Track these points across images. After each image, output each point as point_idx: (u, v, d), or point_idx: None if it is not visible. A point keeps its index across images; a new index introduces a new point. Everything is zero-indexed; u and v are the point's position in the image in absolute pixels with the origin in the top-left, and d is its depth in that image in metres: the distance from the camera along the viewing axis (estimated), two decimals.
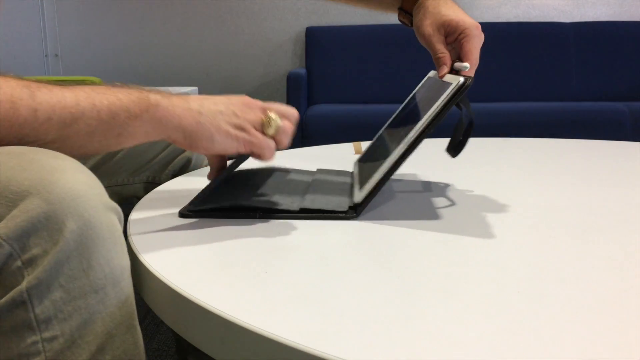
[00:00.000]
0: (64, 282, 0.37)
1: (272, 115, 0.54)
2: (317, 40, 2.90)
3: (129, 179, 0.79)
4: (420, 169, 0.80)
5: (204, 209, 0.56)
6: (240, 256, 0.46)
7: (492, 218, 0.56)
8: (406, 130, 0.58)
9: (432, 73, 0.71)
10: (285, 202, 0.58)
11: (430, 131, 0.56)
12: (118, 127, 0.48)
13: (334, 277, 0.41)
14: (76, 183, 0.39)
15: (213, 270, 0.43)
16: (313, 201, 0.58)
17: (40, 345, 0.37)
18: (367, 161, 0.66)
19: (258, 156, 0.55)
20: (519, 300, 0.37)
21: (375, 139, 0.75)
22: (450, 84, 0.56)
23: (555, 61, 2.82)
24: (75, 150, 0.47)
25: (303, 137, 2.30)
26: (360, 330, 0.33)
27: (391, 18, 3.20)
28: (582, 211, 0.59)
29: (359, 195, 0.57)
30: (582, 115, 2.33)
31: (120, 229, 0.42)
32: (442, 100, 0.55)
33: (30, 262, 0.36)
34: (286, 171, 0.73)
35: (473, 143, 1.06)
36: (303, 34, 3.03)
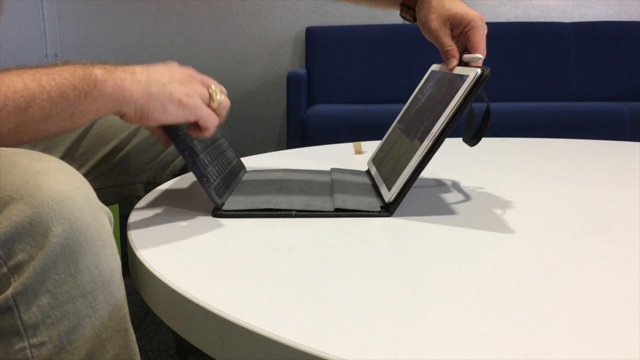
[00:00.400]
0: (51, 287, 0.36)
1: (216, 89, 0.54)
2: (317, 40, 2.90)
3: (129, 179, 0.79)
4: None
5: (240, 210, 0.57)
6: (240, 256, 0.46)
7: (491, 218, 0.56)
8: (426, 126, 0.58)
9: (435, 67, 0.71)
10: (318, 202, 0.58)
11: (454, 125, 0.55)
12: (70, 107, 0.46)
13: (334, 277, 0.41)
14: (60, 185, 0.38)
15: (213, 270, 0.43)
16: (345, 202, 0.58)
17: (28, 351, 0.36)
18: (386, 160, 0.66)
19: (201, 128, 0.54)
20: (519, 300, 0.37)
21: (386, 137, 0.74)
22: (466, 76, 0.56)
23: (555, 61, 2.82)
24: (33, 137, 0.45)
25: (303, 137, 2.30)
26: (360, 330, 0.33)
27: (391, 18, 3.18)
28: (582, 211, 0.59)
29: (389, 195, 0.57)
30: (582, 115, 2.33)
31: (109, 230, 0.41)
32: (463, 93, 0.55)
33: (17, 268, 0.36)
34: (299, 171, 0.73)
35: None
36: (303, 34, 3.03)
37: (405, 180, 0.56)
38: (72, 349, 0.37)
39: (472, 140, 0.65)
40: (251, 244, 0.49)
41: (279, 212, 0.56)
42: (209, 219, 0.56)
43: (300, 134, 2.33)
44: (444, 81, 0.62)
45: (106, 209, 0.42)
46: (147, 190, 0.72)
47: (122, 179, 0.78)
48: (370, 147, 1.06)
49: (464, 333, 0.33)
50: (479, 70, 0.55)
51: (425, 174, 0.77)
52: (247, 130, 3.12)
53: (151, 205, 0.61)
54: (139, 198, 0.65)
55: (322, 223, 0.54)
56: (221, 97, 0.55)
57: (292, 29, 3.06)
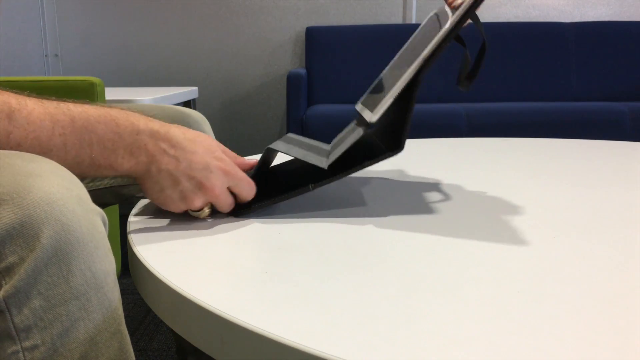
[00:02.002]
0: (43, 289, 0.36)
1: (207, 210, 0.55)
2: (317, 40, 2.90)
3: (129, 179, 0.79)
4: (419, 169, 0.80)
5: (259, 205, 0.57)
6: (240, 256, 0.46)
7: (492, 218, 0.56)
8: (417, 52, 0.56)
9: (430, 15, 0.70)
10: (320, 161, 0.58)
11: (447, 44, 0.54)
12: (79, 170, 0.48)
13: (334, 277, 0.41)
14: (51, 187, 0.38)
15: (213, 270, 0.43)
16: (335, 153, 0.58)
17: (21, 354, 0.36)
18: (373, 93, 0.64)
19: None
20: (519, 300, 0.37)
21: (376, 81, 0.71)
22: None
23: (555, 61, 2.82)
24: None
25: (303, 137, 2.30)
26: (360, 330, 0.33)
27: (391, 18, 3.18)
28: (582, 211, 0.59)
29: (373, 115, 0.55)
30: (582, 115, 2.33)
31: (102, 232, 0.41)
32: (460, 12, 0.54)
33: (7, 271, 0.36)
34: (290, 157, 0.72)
35: (473, 143, 1.06)
36: (303, 34, 3.03)
37: (394, 95, 0.54)
38: (65, 352, 0.37)
39: (467, 80, 0.62)
40: (251, 244, 0.49)
41: (297, 191, 0.57)
42: (210, 219, 0.56)
43: (300, 134, 2.33)
44: (438, 18, 0.61)
45: (100, 210, 0.42)
46: None
47: (122, 179, 0.78)
48: None
49: (464, 333, 0.33)
50: None
51: (425, 173, 0.77)
52: (247, 130, 3.12)
53: (151, 205, 0.61)
54: (139, 198, 0.66)
55: (322, 223, 0.54)
56: (204, 216, 0.56)
57: (292, 29, 3.06)
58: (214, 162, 0.53)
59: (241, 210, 0.57)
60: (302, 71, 2.66)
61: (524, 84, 2.83)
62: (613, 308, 0.36)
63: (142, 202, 0.63)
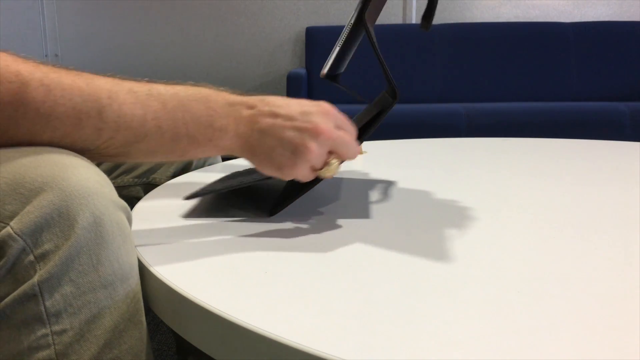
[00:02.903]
0: (74, 276, 0.38)
1: (334, 162, 0.50)
2: (317, 40, 2.90)
3: (129, 179, 0.79)
4: (419, 169, 0.80)
5: (287, 202, 0.57)
6: (240, 256, 0.46)
7: (492, 218, 0.56)
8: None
9: None
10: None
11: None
12: (180, 151, 0.48)
13: (334, 277, 0.41)
14: (88, 180, 0.40)
15: (213, 270, 0.43)
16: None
17: (50, 338, 0.37)
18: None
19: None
20: (519, 300, 0.37)
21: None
22: None
23: (555, 61, 2.83)
24: (133, 161, 0.47)
25: None
26: (360, 330, 0.33)
27: (391, 18, 3.18)
28: (582, 211, 0.59)
29: (325, 67, 0.56)
30: (582, 115, 2.33)
31: (128, 228, 0.43)
32: None
33: (42, 257, 0.37)
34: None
35: (473, 143, 1.06)
36: (303, 34, 3.03)
37: (340, 43, 0.55)
38: (91, 337, 0.38)
39: (424, 20, 0.64)
40: (251, 244, 0.49)
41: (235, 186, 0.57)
42: (209, 219, 0.56)
43: None
44: None
45: (127, 207, 0.43)
46: (147, 191, 0.72)
47: (122, 179, 0.78)
48: (371, 146, 1.06)
49: (464, 333, 0.33)
50: None
51: (425, 173, 0.77)
52: None
53: (151, 205, 0.61)
54: (139, 199, 0.66)
55: (322, 223, 0.54)
56: (335, 170, 0.51)
57: (292, 29, 3.06)
58: (311, 107, 0.50)
59: (274, 207, 0.58)
60: (302, 71, 2.66)
61: (524, 84, 2.83)
62: (613, 308, 0.36)
63: (143, 203, 0.63)
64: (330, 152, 0.50)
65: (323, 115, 0.50)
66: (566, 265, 0.44)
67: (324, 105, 0.50)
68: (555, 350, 0.31)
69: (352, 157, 0.52)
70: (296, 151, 0.48)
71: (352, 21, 0.55)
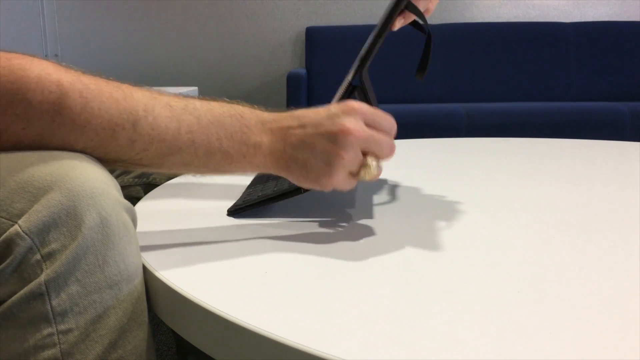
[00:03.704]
0: (80, 276, 0.38)
1: (373, 162, 0.48)
2: (317, 40, 2.91)
3: (129, 179, 0.79)
4: (419, 170, 0.80)
5: (249, 204, 0.57)
6: (240, 256, 0.46)
7: (492, 218, 0.56)
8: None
9: None
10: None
11: (382, 38, 0.56)
12: (213, 165, 0.48)
13: (334, 277, 0.41)
14: (96, 181, 0.40)
15: (213, 271, 0.43)
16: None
17: (55, 337, 0.37)
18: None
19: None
20: (519, 300, 0.37)
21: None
22: None
23: (555, 61, 2.83)
24: (167, 172, 0.47)
25: None
26: (360, 330, 0.33)
27: None
28: (582, 211, 0.59)
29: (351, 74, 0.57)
30: (582, 115, 2.33)
31: (133, 229, 0.43)
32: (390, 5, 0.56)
33: (49, 256, 0.37)
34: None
35: (473, 143, 1.06)
36: (303, 34, 3.03)
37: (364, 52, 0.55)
38: (96, 337, 0.39)
39: (418, 72, 0.63)
40: (251, 244, 0.49)
41: (288, 195, 0.55)
42: (210, 219, 0.56)
43: None
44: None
45: (132, 208, 0.44)
46: (147, 191, 0.72)
47: (122, 179, 0.78)
48: None
49: (464, 333, 0.33)
50: None
51: (425, 173, 0.77)
52: None
53: (151, 205, 0.61)
54: (139, 199, 0.66)
55: (322, 223, 0.54)
56: (375, 173, 0.48)
57: (292, 29, 3.07)
58: (337, 108, 0.49)
59: (235, 208, 0.57)
60: (302, 71, 2.67)
61: (524, 84, 2.83)
62: (613, 308, 0.36)
63: (142, 203, 0.63)
64: (365, 153, 0.49)
65: (349, 115, 0.48)
66: (566, 265, 0.44)
67: (350, 104, 0.49)
68: (555, 350, 0.31)
69: (387, 155, 0.49)
70: (329, 161, 0.47)
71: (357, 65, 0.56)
